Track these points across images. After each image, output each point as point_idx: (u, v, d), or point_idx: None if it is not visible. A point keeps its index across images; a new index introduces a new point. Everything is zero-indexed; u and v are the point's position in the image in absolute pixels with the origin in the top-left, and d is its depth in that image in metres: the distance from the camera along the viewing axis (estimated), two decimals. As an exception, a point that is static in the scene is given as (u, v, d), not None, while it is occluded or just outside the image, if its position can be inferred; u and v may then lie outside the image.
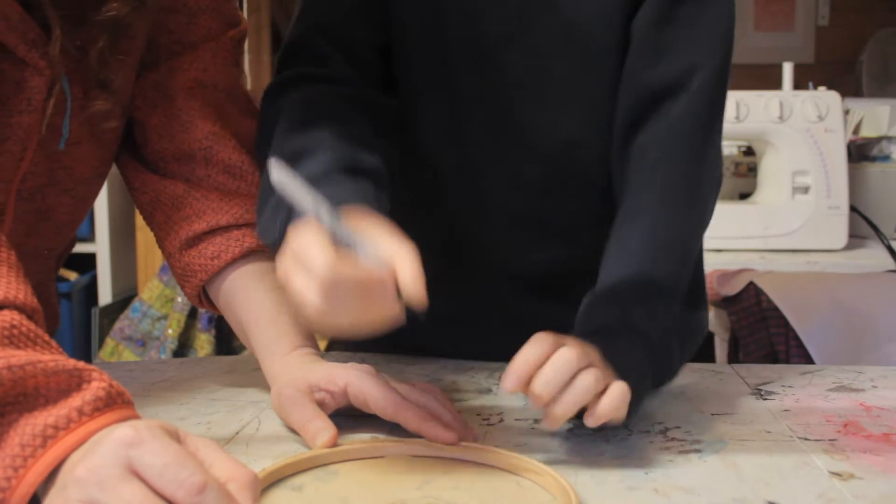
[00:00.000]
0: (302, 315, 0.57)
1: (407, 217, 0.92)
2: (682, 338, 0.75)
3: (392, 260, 0.56)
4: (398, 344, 0.97)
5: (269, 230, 0.71)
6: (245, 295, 0.81)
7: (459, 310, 0.94)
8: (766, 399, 0.82)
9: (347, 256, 0.55)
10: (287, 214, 0.67)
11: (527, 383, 0.61)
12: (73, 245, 0.96)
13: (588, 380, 0.62)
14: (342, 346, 1.00)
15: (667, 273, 0.76)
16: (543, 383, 0.60)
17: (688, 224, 0.79)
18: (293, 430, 0.72)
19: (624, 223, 0.79)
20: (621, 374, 0.65)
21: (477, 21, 0.83)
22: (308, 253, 0.55)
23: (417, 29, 0.85)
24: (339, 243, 0.56)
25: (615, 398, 0.62)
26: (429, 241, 0.92)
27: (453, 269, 0.93)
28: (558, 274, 0.91)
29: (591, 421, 0.62)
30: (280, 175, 0.55)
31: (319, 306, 0.54)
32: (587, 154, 0.86)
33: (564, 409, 0.60)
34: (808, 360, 1.43)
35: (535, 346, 0.63)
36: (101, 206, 2.44)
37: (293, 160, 0.69)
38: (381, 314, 0.56)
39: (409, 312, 0.58)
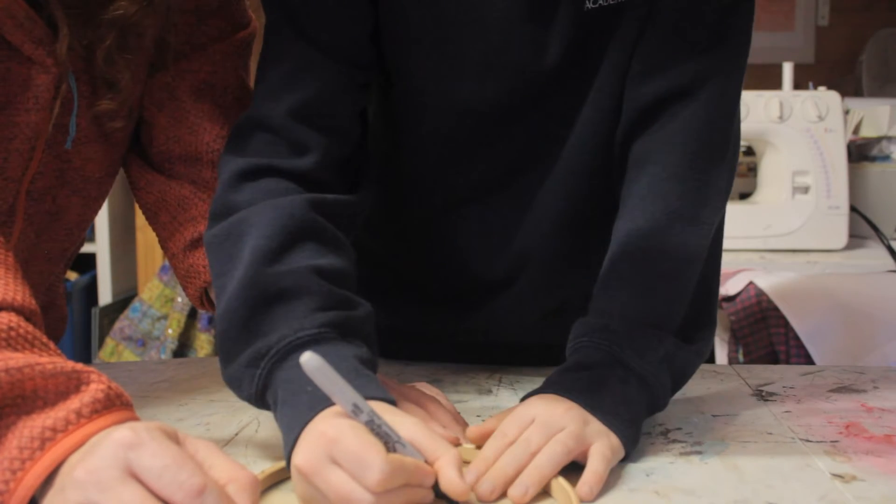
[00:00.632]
0: None
1: (408, 249, 0.91)
2: (674, 370, 0.72)
3: (433, 456, 0.55)
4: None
5: (241, 384, 0.66)
6: None
7: (457, 336, 0.94)
8: (767, 400, 0.82)
9: (393, 454, 0.53)
10: (264, 381, 0.64)
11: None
12: (81, 245, 0.96)
13: (547, 455, 0.61)
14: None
15: (658, 305, 0.73)
16: (488, 483, 0.59)
17: (683, 252, 0.74)
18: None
19: (616, 249, 0.75)
20: (609, 422, 0.65)
21: (494, 95, 0.80)
22: (363, 460, 0.52)
23: (433, 93, 0.81)
24: (379, 437, 0.54)
25: (589, 482, 0.61)
26: (430, 271, 0.91)
27: (456, 298, 0.92)
28: (564, 305, 0.89)
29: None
30: (315, 367, 0.51)
31: None
32: (605, 188, 0.82)
33: (523, 490, 0.59)
34: (809, 360, 1.42)
35: (495, 442, 0.63)
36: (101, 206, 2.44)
37: (274, 300, 0.65)
38: (415, 501, 0.55)
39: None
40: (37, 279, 0.86)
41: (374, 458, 0.51)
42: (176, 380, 0.90)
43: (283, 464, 0.62)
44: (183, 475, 0.47)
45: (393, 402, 0.61)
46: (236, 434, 0.73)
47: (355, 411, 0.54)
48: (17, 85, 0.72)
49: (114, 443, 0.48)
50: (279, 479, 0.62)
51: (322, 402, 0.58)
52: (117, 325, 2.38)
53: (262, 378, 0.64)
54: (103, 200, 0.88)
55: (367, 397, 0.57)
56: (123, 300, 2.48)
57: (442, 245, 0.88)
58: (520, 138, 0.82)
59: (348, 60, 0.78)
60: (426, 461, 0.56)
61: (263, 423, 0.75)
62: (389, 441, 0.55)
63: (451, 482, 0.54)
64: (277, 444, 0.70)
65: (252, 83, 0.83)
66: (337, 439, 0.53)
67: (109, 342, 2.37)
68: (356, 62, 0.79)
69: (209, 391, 0.85)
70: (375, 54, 0.81)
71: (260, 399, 0.65)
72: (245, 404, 0.80)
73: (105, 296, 2.46)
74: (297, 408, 0.60)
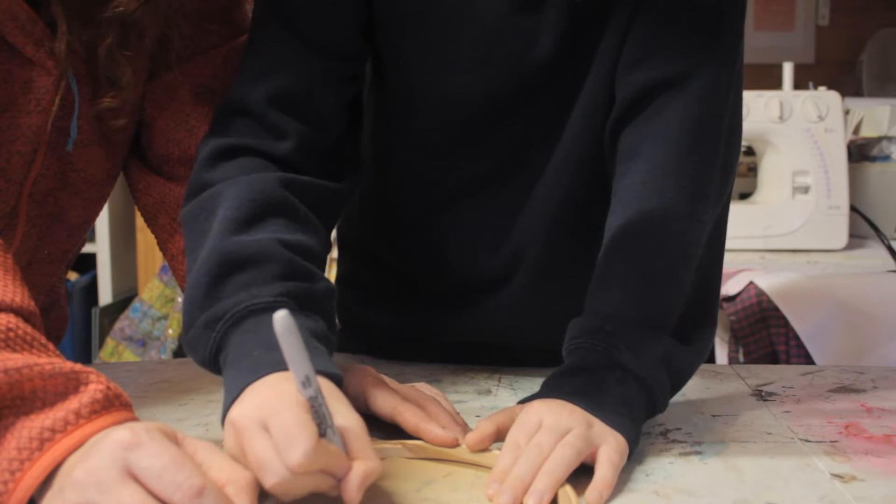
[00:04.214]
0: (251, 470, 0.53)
1: (398, 243, 0.91)
2: (672, 371, 0.71)
3: (355, 456, 0.54)
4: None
5: (197, 346, 0.66)
6: None
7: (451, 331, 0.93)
8: (767, 400, 0.82)
9: (322, 440, 0.53)
10: (218, 343, 0.64)
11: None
12: (82, 246, 0.96)
13: (558, 458, 0.61)
14: (342, 349, 1.00)
15: (654, 305, 0.72)
16: (508, 494, 0.58)
17: (678, 248, 0.74)
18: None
19: (610, 246, 0.75)
20: (612, 421, 0.65)
21: (486, 89, 0.80)
22: (293, 438, 0.51)
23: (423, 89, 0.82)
24: (315, 416, 0.54)
25: (598, 488, 0.60)
26: (427, 270, 0.91)
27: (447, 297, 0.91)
28: (561, 304, 0.89)
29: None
30: (285, 327, 0.51)
31: (279, 484, 0.51)
32: (600, 182, 0.81)
33: (538, 497, 0.58)
34: (809, 360, 1.42)
35: (510, 454, 0.62)
36: (101, 206, 2.44)
37: (237, 267, 0.66)
38: (321, 489, 0.54)
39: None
40: (39, 280, 0.86)
41: (304, 439, 0.51)
42: (175, 380, 0.90)
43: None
44: (182, 476, 0.47)
45: (339, 379, 0.61)
46: (236, 434, 0.73)
47: (305, 384, 0.53)
48: (19, 87, 0.72)
49: (112, 443, 0.48)
50: (278, 479, 0.62)
51: (265, 367, 0.58)
52: (117, 325, 2.38)
53: (216, 341, 0.64)
54: (104, 202, 0.88)
55: (317, 370, 0.57)
56: (123, 300, 2.48)
57: (438, 243, 0.88)
58: (514, 132, 0.82)
59: (331, 52, 0.78)
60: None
61: (263, 424, 0.75)
62: (323, 423, 0.54)
63: (348, 486, 0.53)
64: (277, 444, 0.70)
65: None
66: (276, 410, 0.53)
67: (110, 342, 2.37)
68: (340, 54, 0.79)
69: (209, 391, 0.85)
70: (363, 48, 0.81)
71: (213, 361, 0.65)
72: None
73: (105, 296, 2.46)
74: (240, 371, 0.60)
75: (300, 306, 0.65)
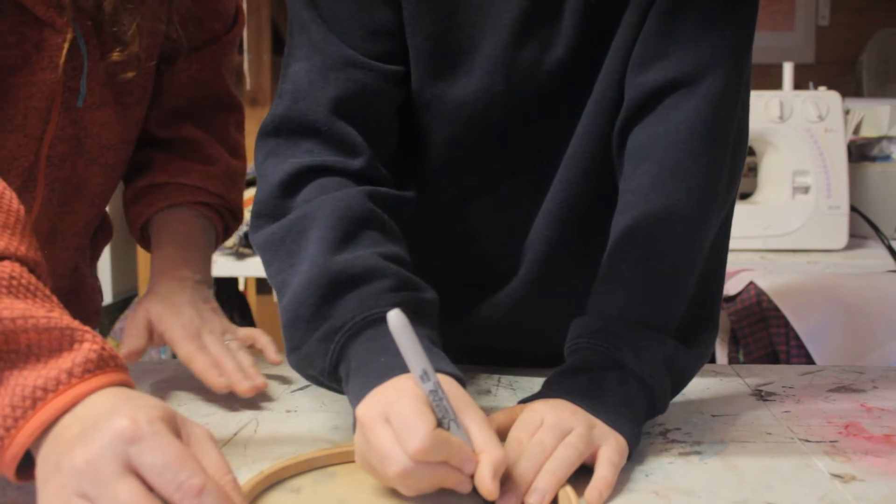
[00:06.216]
0: (372, 466, 0.57)
1: (423, 235, 0.91)
2: (673, 372, 0.71)
3: (480, 449, 0.56)
4: None
5: (314, 360, 0.67)
6: (168, 225, 0.94)
7: (471, 320, 0.93)
8: (767, 400, 0.82)
9: (441, 430, 0.55)
10: (338, 354, 0.65)
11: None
12: (110, 231, 1.03)
13: (560, 458, 0.61)
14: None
15: (656, 306, 0.72)
16: (511, 493, 0.59)
17: (682, 251, 0.74)
18: (291, 432, 0.72)
19: (615, 247, 0.75)
20: (613, 422, 0.65)
21: (502, 94, 0.80)
22: (410, 426, 0.54)
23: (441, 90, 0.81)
24: (437, 409, 0.56)
25: (598, 487, 0.61)
26: (430, 270, 0.91)
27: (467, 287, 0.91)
28: (565, 305, 0.87)
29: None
30: (399, 324, 0.53)
31: (402, 474, 0.54)
32: (607, 182, 0.81)
33: (540, 497, 0.59)
34: (809, 360, 1.42)
35: (511, 451, 0.62)
36: (101, 205, 2.44)
37: (347, 285, 0.67)
38: (451, 485, 0.56)
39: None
40: (63, 255, 0.92)
41: (420, 426, 0.53)
42: (176, 380, 0.90)
43: (282, 464, 0.62)
44: (183, 475, 0.47)
45: (462, 381, 0.62)
46: (235, 434, 0.73)
47: (423, 377, 0.55)
48: (31, 46, 0.77)
49: (114, 434, 0.47)
50: (279, 479, 0.62)
51: (393, 370, 0.59)
52: (118, 325, 2.38)
53: (335, 353, 0.65)
54: (122, 170, 0.94)
55: (439, 370, 0.59)
56: (123, 300, 2.47)
57: (444, 242, 0.88)
58: (526, 133, 0.81)
59: (382, 56, 0.78)
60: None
61: (263, 423, 0.75)
62: (446, 417, 0.56)
63: (482, 479, 0.55)
64: (276, 444, 0.70)
65: (247, 83, 0.86)
66: (394, 401, 0.56)
67: (110, 342, 2.37)
68: (389, 58, 0.79)
69: (209, 391, 0.85)
70: (405, 50, 0.80)
71: (332, 373, 0.66)
72: (244, 404, 0.80)
73: (105, 296, 2.46)
74: (367, 376, 0.61)
75: (415, 315, 0.65)
